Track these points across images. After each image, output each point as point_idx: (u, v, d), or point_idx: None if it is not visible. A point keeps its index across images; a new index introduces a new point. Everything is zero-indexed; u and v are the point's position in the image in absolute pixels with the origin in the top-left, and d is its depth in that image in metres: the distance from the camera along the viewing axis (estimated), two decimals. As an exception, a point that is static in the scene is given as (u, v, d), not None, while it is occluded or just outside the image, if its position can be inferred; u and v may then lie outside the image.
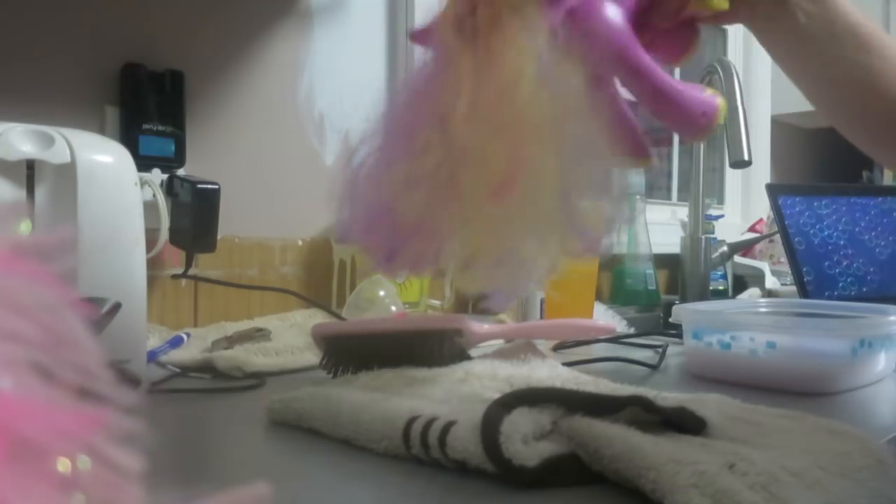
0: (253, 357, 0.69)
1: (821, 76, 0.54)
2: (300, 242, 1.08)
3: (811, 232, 1.13)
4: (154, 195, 0.86)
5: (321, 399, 0.48)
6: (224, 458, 0.46)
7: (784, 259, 1.29)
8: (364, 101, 1.25)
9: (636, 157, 0.45)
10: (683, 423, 0.42)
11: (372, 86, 1.21)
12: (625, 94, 0.45)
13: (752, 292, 1.48)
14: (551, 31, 0.39)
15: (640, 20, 0.44)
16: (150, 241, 0.71)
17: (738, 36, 2.16)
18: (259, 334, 0.77)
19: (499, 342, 0.71)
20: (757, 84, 2.05)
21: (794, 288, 1.15)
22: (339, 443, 0.45)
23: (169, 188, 0.89)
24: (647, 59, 0.43)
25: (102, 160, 0.61)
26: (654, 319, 1.40)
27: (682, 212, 1.54)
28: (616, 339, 0.87)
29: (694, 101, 0.44)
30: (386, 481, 0.40)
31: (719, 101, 0.44)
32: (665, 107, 0.44)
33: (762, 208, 1.91)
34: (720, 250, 1.47)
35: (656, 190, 1.93)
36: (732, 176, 2.11)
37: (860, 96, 0.53)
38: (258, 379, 0.65)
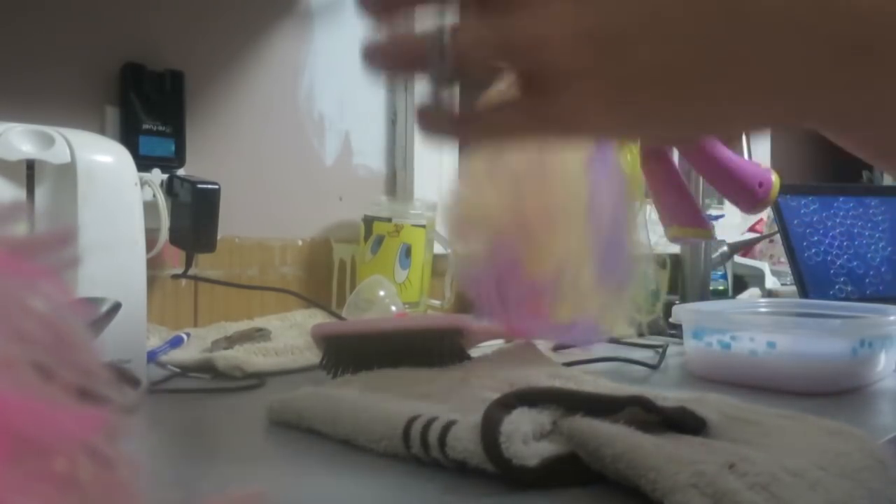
0: (253, 357, 0.69)
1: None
2: (300, 242, 1.08)
3: (811, 232, 1.13)
4: (154, 195, 0.86)
5: (321, 399, 0.48)
6: (224, 458, 0.46)
7: (784, 259, 1.29)
8: (364, 102, 1.26)
9: (696, 227, 0.48)
10: (683, 423, 0.42)
11: (372, 86, 1.21)
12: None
13: (752, 292, 1.47)
14: None
15: None
16: (150, 241, 0.71)
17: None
18: (259, 334, 0.77)
19: (499, 342, 0.71)
20: (757, 84, 2.05)
21: (794, 288, 1.15)
22: (339, 443, 0.45)
23: (169, 188, 0.89)
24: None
25: (102, 160, 0.61)
26: (654, 319, 1.40)
27: (683, 212, 1.54)
28: (616, 339, 0.87)
29: (751, 173, 0.45)
30: (386, 481, 0.40)
31: (774, 176, 0.46)
32: (724, 178, 0.45)
33: (762, 208, 1.91)
34: (720, 250, 1.46)
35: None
36: (732, 176, 2.10)
37: None
38: (258, 379, 0.65)
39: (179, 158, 0.93)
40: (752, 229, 1.82)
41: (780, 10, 0.24)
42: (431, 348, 0.61)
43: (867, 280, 1.15)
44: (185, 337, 0.78)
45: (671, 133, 0.32)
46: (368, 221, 1.06)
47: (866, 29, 0.24)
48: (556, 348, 0.82)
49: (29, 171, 0.59)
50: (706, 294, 1.43)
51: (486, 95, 0.31)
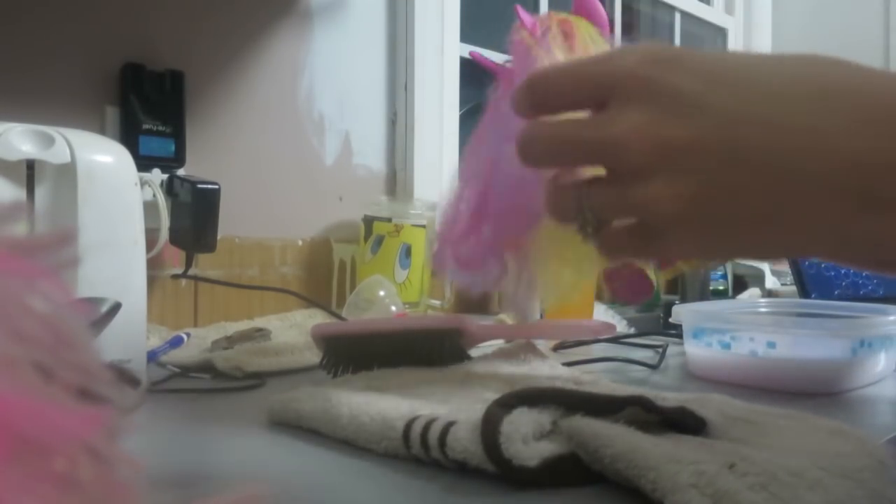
0: (253, 357, 0.69)
1: None
2: (300, 242, 1.08)
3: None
4: (154, 195, 0.86)
5: (321, 399, 0.48)
6: (224, 458, 0.46)
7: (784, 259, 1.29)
8: (364, 102, 1.26)
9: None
10: (683, 423, 0.42)
11: (372, 86, 1.21)
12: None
13: (752, 292, 1.48)
14: None
15: None
16: (150, 241, 0.71)
17: (738, 37, 2.16)
18: (259, 334, 0.77)
19: (499, 342, 0.71)
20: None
21: (794, 288, 1.15)
22: (339, 443, 0.45)
23: (169, 188, 0.89)
24: None
25: (102, 160, 0.61)
26: (654, 319, 1.40)
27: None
28: (616, 339, 0.87)
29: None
30: (386, 481, 0.40)
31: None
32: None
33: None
34: (720, 250, 1.46)
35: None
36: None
37: None
38: (258, 379, 0.65)
39: (179, 158, 0.93)
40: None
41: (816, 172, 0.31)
42: (431, 348, 0.61)
43: (867, 280, 1.15)
44: (185, 337, 0.78)
45: (736, 257, 0.41)
46: (368, 221, 1.06)
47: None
48: (556, 348, 0.82)
49: (29, 171, 0.59)
50: (706, 294, 1.43)
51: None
